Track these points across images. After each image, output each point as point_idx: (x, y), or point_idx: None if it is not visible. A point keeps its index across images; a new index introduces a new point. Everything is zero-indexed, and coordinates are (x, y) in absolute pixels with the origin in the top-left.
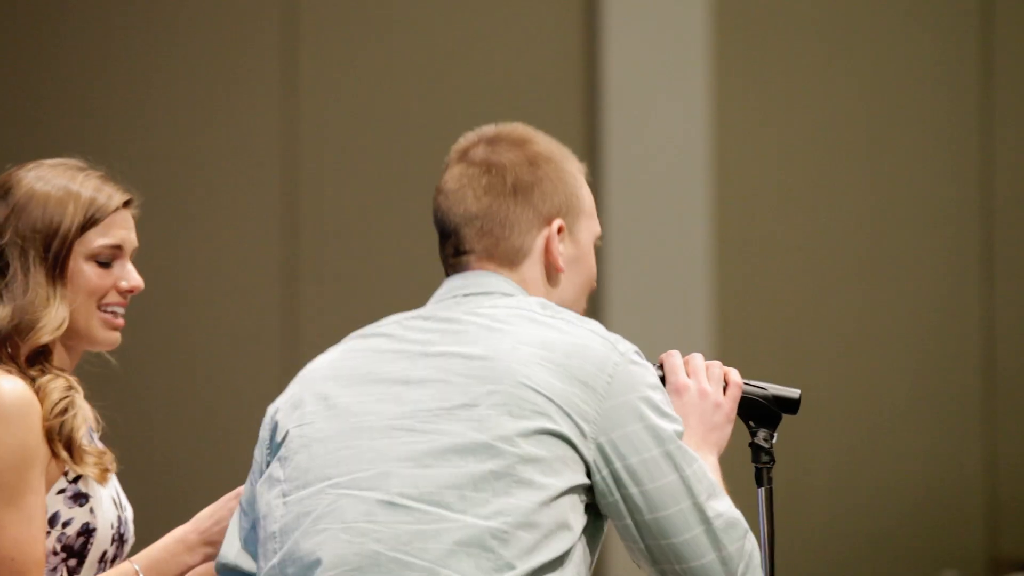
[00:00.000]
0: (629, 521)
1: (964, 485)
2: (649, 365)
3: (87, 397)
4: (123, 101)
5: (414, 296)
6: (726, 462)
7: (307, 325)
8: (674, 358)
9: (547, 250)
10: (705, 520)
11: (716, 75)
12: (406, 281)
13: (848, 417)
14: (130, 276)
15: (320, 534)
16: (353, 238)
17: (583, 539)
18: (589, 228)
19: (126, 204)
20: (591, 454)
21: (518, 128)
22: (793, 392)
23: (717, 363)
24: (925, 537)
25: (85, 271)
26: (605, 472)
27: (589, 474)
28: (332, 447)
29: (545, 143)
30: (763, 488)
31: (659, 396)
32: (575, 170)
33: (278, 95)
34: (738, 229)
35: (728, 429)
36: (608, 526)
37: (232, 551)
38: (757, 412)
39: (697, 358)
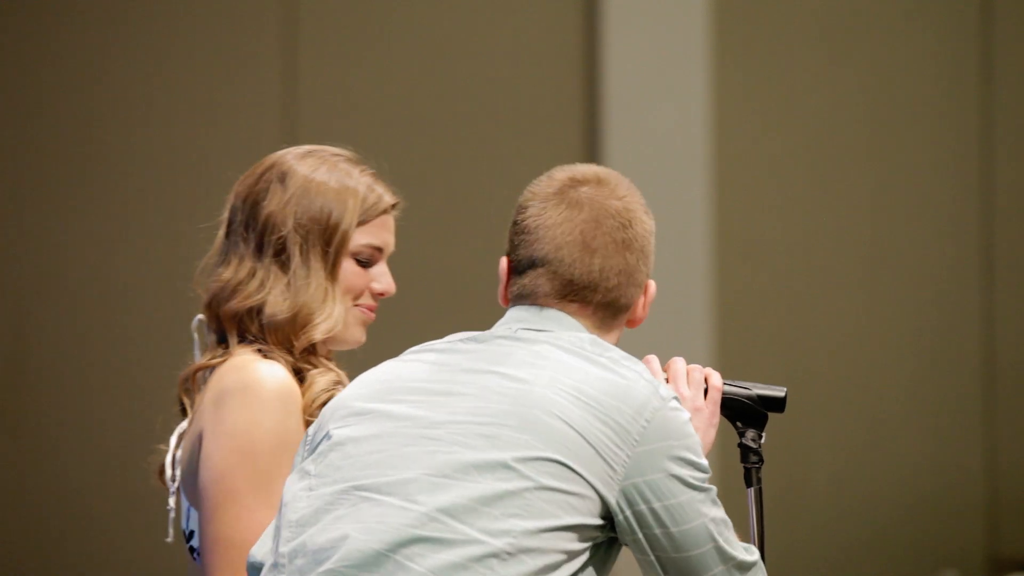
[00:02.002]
0: (652, 557)
1: (964, 485)
2: (686, 412)
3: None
4: (123, 101)
5: (414, 295)
6: (718, 462)
7: None
8: (653, 363)
9: (643, 307)
10: (726, 558)
11: (716, 75)
12: (406, 280)
13: (848, 417)
14: (384, 279)
15: (335, 532)
16: None
17: (590, 567)
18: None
19: (393, 207)
20: (614, 496)
21: (604, 174)
22: (778, 391)
23: (697, 367)
24: (925, 537)
25: (345, 268)
26: (629, 513)
27: (608, 513)
28: (365, 449)
29: (637, 195)
30: (752, 488)
31: (691, 442)
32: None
33: (278, 95)
34: (738, 229)
35: (711, 433)
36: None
37: (263, 550)
38: (743, 413)
39: (677, 363)
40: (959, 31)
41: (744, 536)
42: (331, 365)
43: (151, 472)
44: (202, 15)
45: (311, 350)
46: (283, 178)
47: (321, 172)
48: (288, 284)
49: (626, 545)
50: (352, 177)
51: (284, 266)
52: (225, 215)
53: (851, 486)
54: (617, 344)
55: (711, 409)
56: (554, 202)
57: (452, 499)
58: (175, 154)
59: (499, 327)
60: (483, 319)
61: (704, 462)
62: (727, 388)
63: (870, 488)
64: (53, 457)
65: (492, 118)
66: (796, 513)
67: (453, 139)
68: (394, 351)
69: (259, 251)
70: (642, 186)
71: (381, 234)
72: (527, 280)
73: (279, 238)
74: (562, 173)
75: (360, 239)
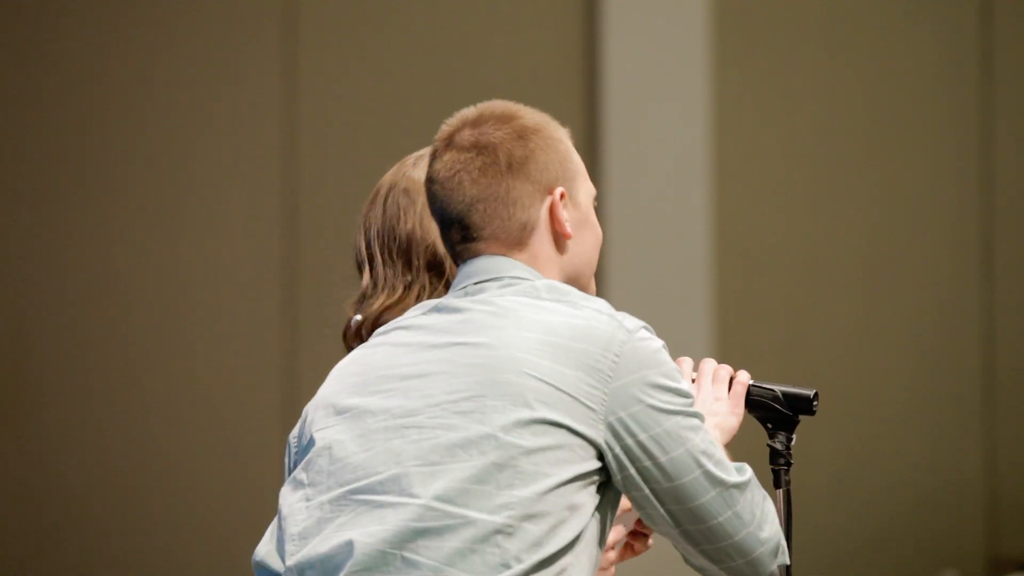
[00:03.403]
0: (647, 491)
1: (964, 485)
2: (658, 340)
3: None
4: (123, 101)
5: None
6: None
7: (307, 325)
8: (685, 365)
9: (553, 219)
10: (716, 482)
11: (716, 75)
12: None
13: (848, 417)
14: None
15: (339, 540)
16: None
17: (596, 516)
18: (586, 190)
19: None
20: (602, 435)
21: (499, 105)
22: (806, 391)
23: (726, 367)
24: (925, 537)
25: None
26: (618, 449)
27: (601, 455)
28: (351, 449)
29: (529, 114)
30: (781, 490)
31: (666, 368)
32: (562, 135)
33: (278, 95)
34: (738, 229)
35: (732, 421)
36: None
37: (264, 549)
38: (771, 414)
39: (707, 363)
40: (959, 31)
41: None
42: None
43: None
44: (202, 15)
45: None
46: (407, 193)
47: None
48: (447, 287)
49: (623, 488)
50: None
51: (439, 271)
52: (362, 251)
53: (851, 486)
54: (577, 265)
55: (733, 401)
56: (444, 155)
57: (446, 485)
58: (175, 154)
59: (453, 289)
60: None
61: (683, 386)
62: (753, 388)
63: (870, 488)
64: (53, 456)
65: None
66: (796, 513)
67: None
68: None
69: (408, 267)
70: (642, 186)
71: None
72: (453, 239)
73: (427, 248)
74: (447, 125)
75: None
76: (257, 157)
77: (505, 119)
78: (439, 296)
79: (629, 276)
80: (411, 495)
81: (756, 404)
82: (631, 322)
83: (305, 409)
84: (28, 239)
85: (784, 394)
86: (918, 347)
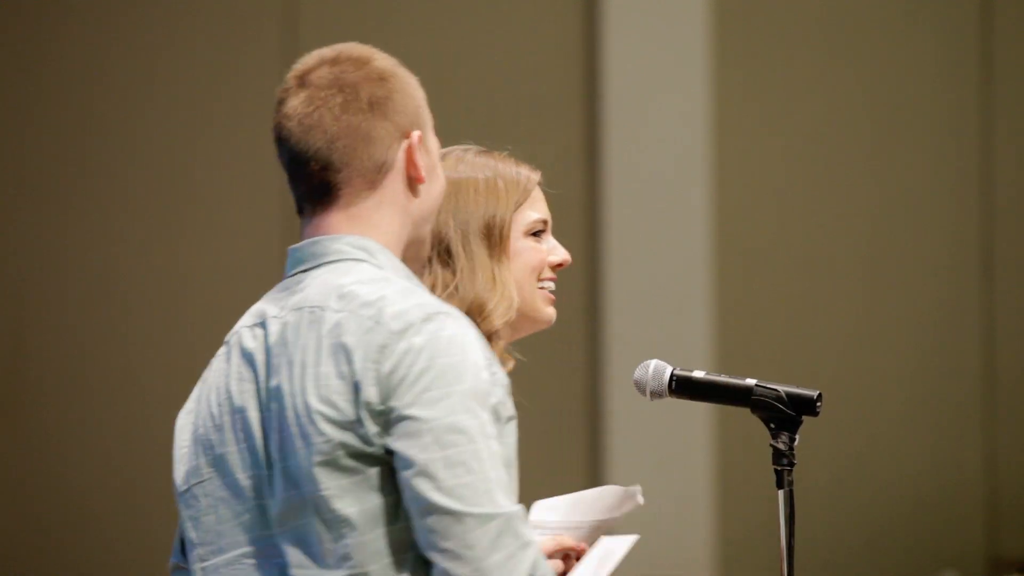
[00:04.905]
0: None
1: (964, 485)
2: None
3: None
4: (123, 101)
5: None
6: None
7: None
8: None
9: (409, 161)
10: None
11: (716, 74)
12: None
13: (848, 417)
14: (557, 249)
15: None
16: None
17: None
18: (435, 140)
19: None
20: (382, 445)
21: (355, 47)
22: (810, 392)
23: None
24: (925, 537)
25: (526, 246)
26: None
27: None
28: (235, 510)
29: (384, 58)
30: (783, 490)
31: (435, 373)
32: (416, 83)
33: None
34: (738, 230)
35: None
36: None
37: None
38: (774, 414)
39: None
40: (959, 31)
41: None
42: (506, 362)
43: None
44: (202, 15)
45: (494, 344)
46: None
47: (463, 169)
48: (457, 282)
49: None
50: (491, 165)
51: (451, 267)
52: None
53: (851, 486)
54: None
55: None
56: (300, 92)
57: (297, 550)
58: (175, 154)
59: (289, 268)
60: None
61: (442, 390)
62: (757, 388)
63: (870, 489)
64: (53, 456)
65: (492, 118)
66: (797, 513)
67: (453, 139)
68: None
69: (428, 263)
70: (642, 187)
71: (541, 206)
72: (307, 184)
73: (444, 245)
74: (300, 64)
75: (530, 215)
76: (257, 157)
77: (362, 60)
78: (450, 293)
79: (629, 276)
80: (275, 561)
81: (760, 404)
82: (416, 314)
83: (179, 419)
84: (28, 239)
85: (788, 395)
86: (918, 347)
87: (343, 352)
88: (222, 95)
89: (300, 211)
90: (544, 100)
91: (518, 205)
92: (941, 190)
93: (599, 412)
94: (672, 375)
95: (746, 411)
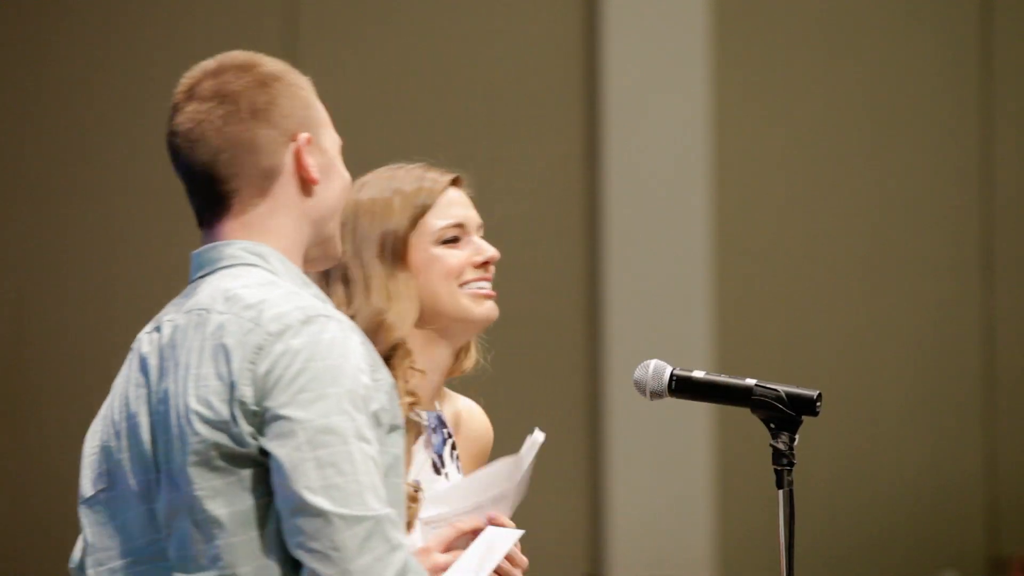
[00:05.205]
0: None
1: (964, 485)
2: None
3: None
4: (123, 100)
5: None
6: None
7: None
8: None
9: (298, 164)
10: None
11: (716, 75)
12: None
13: (849, 418)
14: (481, 248)
15: None
16: None
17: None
18: (331, 138)
19: (453, 183)
20: (255, 445)
21: (239, 54)
22: (809, 392)
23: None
24: (925, 537)
25: (436, 255)
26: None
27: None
28: (130, 516)
29: (270, 63)
30: (783, 490)
31: (308, 377)
32: (304, 84)
33: None
34: (738, 230)
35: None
36: None
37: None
38: (774, 414)
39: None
40: (959, 31)
41: (750, 533)
42: (413, 375)
43: None
44: (202, 15)
45: (404, 355)
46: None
47: (364, 192)
48: (353, 302)
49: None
50: (396, 179)
51: (349, 288)
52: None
53: (851, 486)
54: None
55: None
56: (186, 107)
57: (178, 551)
58: None
59: (193, 272)
60: None
61: (317, 391)
62: (757, 388)
63: (870, 489)
64: (52, 456)
65: (492, 118)
66: (797, 513)
67: (453, 139)
68: None
69: (328, 285)
70: (642, 187)
71: (451, 210)
72: (200, 196)
73: (342, 268)
74: (187, 77)
75: (435, 223)
76: None
77: (245, 68)
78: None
79: (629, 276)
80: (161, 563)
81: (760, 404)
82: (291, 319)
83: (92, 426)
84: (28, 239)
85: (788, 395)
86: (918, 348)
87: (223, 353)
88: None
89: (200, 223)
90: (544, 100)
91: (417, 218)
92: (941, 190)
93: (599, 412)
94: (672, 375)
95: (746, 411)
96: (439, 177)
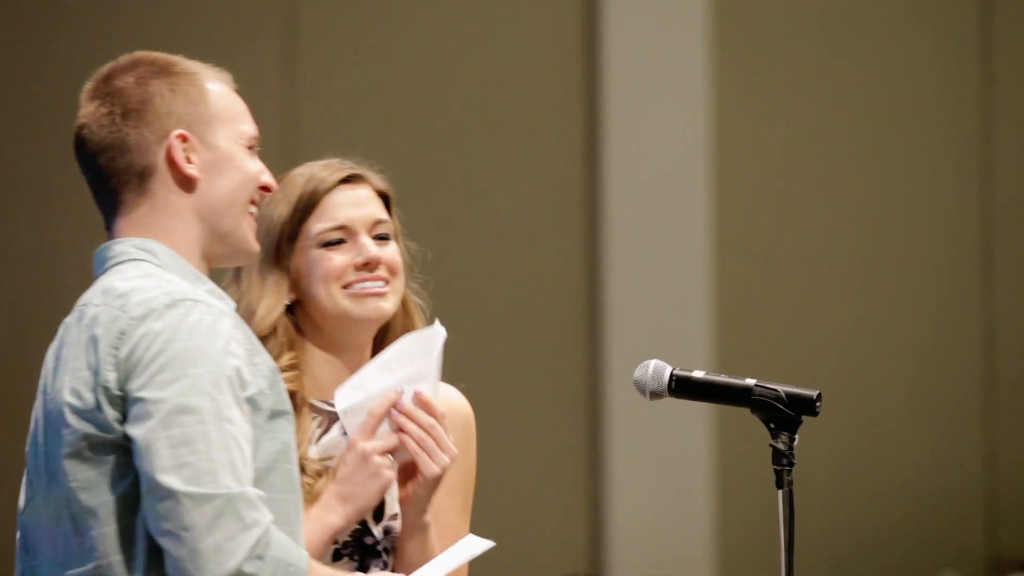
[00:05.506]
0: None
1: (964, 485)
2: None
3: None
4: None
5: (412, 293)
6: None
7: None
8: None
9: (170, 162)
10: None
11: (716, 75)
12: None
13: (848, 418)
14: (363, 250)
15: None
16: None
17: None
18: (228, 133)
19: (347, 181)
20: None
21: (132, 55)
22: (809, 392)
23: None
24: (925, 537)
25: (315, 258)
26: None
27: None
28: (41, 516)
29: (159, 61)
30: (782, 490)
31: (164, 360)
32: (200, 80)
33: (278, 95)
34: (738, 229)
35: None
36: None
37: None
38: (774, 414)
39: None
40: (959, 31)
41: (750, 534)
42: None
43: None
44: (202, 15)
45: (290, 346)
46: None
47: (276, 193)
48: (240, 297)
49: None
50: (293, 180)
51: (239, 286)
52: None
53: (851, 486)
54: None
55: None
56: (82, 107)
57: (58, 555)
58: None
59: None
60: (483, 316)
61: (176, 373)
62: (757, 388)
63: (870, 489)
64: None
65: (492, 118)
66: (797, 513)
67: (453, 139)
68: None
69: (237, 281)
70: (642, 186)
71: (334, 212)
72: (96, 189)
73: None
74: (91, 78)
75: (316, 226)
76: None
77: (130, 67)
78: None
79: (629, 276)
80: (64, 565)
81: (760, 404)
82: (149, 306)
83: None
84: (28, 239)
85: (787, 395)
86: (918, 348)
87: (93, 343)
88: None
89: (105, 223)
90: (544, 100)
91: (299, 222)
92: (941, 190)
93: (599, 412)
94: (672, 375)
95: (746, 411)
96: (328, 176)
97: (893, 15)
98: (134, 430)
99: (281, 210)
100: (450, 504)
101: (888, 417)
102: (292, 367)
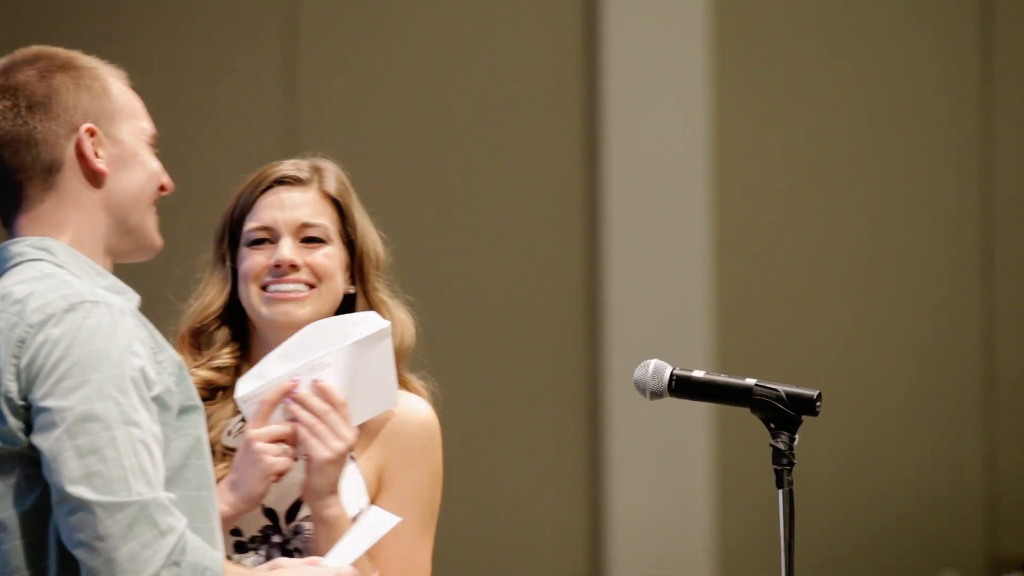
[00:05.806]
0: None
1: (964, 485)
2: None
3: None
4: None
5: (413, 293)
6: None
7: None
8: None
9: (80, 156)
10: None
11: (716, 75)
12: (404, 279)
13: (848, 417)
14: (275, 252)
15: None
16: None
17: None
18: (132, 128)
19: (280, 182)
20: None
21: (34, 48)
22: (809, 392)
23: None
24: (925, 537)
25: (241, 257)
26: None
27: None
28: None
29: (61, 55)
30: (782, 490)
31: (66, 366)
32: (103, 76)
33: (278, 95)
34: (738, 229)
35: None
36: None
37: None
38: (774, 414)
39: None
40: (959, 31)
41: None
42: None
43: None
44: (202, 15)
45: (240, 345)
46: None
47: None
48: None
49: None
50: (248, 178)
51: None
52: None
53: (851, 486)
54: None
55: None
56: None
57: None
58: (174, 154)
59: None
60: (483, 316)
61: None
62: (757, 388)
63: (870, 488)
64: None
65: (492, 118)
66: (797, 513)
67: (453, 139)
68: None
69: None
70: (642, 186)
71: (261, 213)
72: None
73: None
74: None
75: (247, 225)
76: (257, 157)
77: (32, 61)
78: None
79: (629, 276)
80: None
81: (760, 404)
82: (62, 306)
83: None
84: None
85: (788, 395)
86: (918, 347)
87: None
88: (222, 95)
89: (4, 222)
90: (544, 100)
91: (238, 220)
92: (941, 190)
93: (599, 412)
94: (672, 375)
95: (746, 411)
96: (269, 176)
97: (893, 15)
98: (40, 441)
99: (228, 209)
100: (402, 516)
101: (888, 417)
102: (231, 363)
